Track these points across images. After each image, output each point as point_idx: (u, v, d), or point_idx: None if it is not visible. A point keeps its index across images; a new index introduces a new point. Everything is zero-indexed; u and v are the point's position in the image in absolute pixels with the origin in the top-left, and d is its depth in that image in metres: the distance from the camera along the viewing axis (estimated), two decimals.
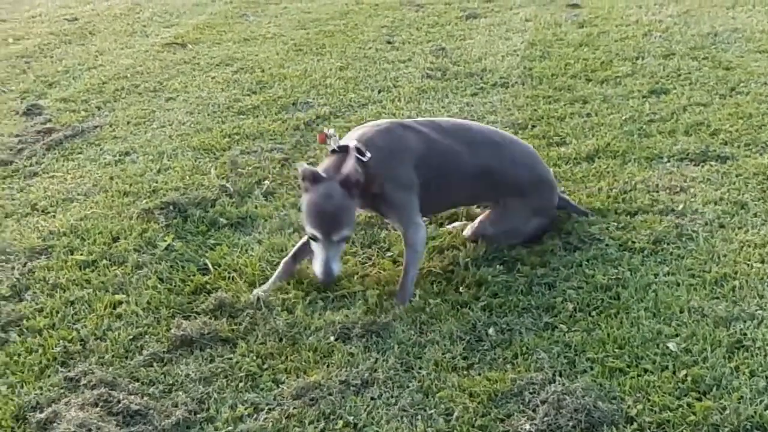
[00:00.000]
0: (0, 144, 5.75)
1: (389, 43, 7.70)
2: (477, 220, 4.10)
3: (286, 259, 3.92)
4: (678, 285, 3.63)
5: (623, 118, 5.47)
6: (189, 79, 7.05)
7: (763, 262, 3.75)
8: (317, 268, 3.58)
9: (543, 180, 4.09)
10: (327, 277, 3.57)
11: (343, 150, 3.63)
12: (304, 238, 3.87)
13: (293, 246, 3.98)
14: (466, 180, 3.92)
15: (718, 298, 3.53)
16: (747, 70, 6.16)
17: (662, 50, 6.79)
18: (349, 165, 3.54)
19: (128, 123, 6.08)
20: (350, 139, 3.71)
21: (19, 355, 3.44)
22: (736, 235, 3.99)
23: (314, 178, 3.54)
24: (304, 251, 3.90)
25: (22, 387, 3.25)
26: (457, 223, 4.28)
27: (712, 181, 4.53)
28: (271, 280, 3.85)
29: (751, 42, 6.84)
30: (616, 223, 4.17)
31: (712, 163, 4.74)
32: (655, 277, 3.69)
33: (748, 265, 3.73)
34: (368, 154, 3.61)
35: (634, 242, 3.98)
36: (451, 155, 3.88)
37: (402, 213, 3.77)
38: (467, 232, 4.10)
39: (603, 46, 7.04)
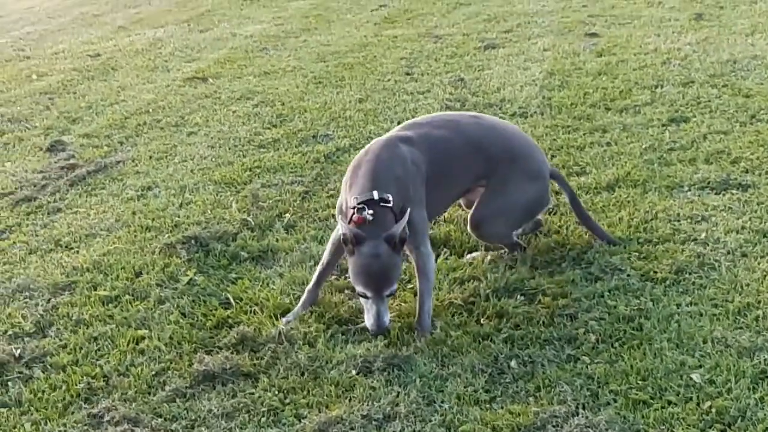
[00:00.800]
0: (24, 180, 5.82)
1: (408, 74, 7.74)
2: (473, 207, 4.13)
3: (309, 287, 3.95)
4: (701, 315, 3.61)
5: (643, 147, 5.46)
6: (210, 113, 7.11)
7: None
8: (369, 321, 3.62)
9: (530, 143, 4.26)
10: (379, 329, 3.62)
11: (366, 203, 3.61)
12: (323, 265, 3.93)
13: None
14: (461, 162, 3.99)
15: (741, 328, 3.51)
16: (767, 98, 6.14)
17: (681, 78, 6.78)
18: (400, 226, 3.56)
19: (150, 158, 6.13)
20: (366, 188, 3.65)
21: (43, 391, 3.47)
22: (759, 264, 3.97)
23: (358, 239, 3.55)
24: (325, 276, 3.96)
25: (46, 424, 3.28)
26: (476, 253, 4.29)
27: (733, 210, 4.51)
28: (296, 309, 3.89)
29: None
30: (637, 253, 4.16)
31: (734, 191, 4.72)
32: (678, 308, 3.68)
33: None
34: (390, 197, 3.62)
35: (656, 272, 3.97)
36: (443, 143, 3.96)
37: (416, 236, 3.78)
38: (469, 226, 4.15)
39: (622, 74, 7.04)
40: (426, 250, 3.82)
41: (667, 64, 7.24)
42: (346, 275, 4.18)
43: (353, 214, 3.60)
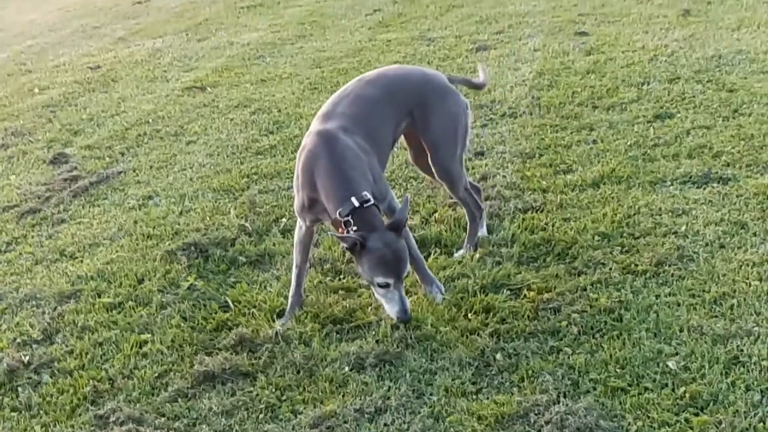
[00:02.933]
0: (29, 193, 6.00)
1: None
2: (430, 157, 4.33)
3: (291, 291, 4.12)
4: (678, 305, 3.77)
5: (628, 143, 5.61)
6: (208, 121, 7.28)
7: (761, 280, 3.88)
8: (394, 309, 3.74)
9: (426, 70, 4.55)
10: (406, 315, 3.75)
11: (352, 212, 3.73)
12: (297, 267, 4.10)
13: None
14: (389, 117, 4.16)
15: (716, 316, 3.66)
16: (750, 92, 6.29)
17: (667, 75, 6.93)
18: (402, 214, 3.77)
19: (151, 167, 6.31)
20: (342, 197, 3.75)
21: (51, 395, 3.65)
22: (736, 254, 4.12)
23: (363, 240, 3.68)
24: (303, 277, 4.13)
25: (54, 426, 3.45)
26: (463, 251, 4.45)
27: (713, 203, 4.66)
28: (287, 313, 4.07)
29: (755, 63, 6.97)
30: (620, 247, 4.32)
31: (714, 184, 4.88)
32: (657, 299, 3.84)
33: (746, 283, 3.86)
34: (368, 195, 3.75)
35: (636, 265, 4.13)
36: (367, 114, 4.09)
37: (390, 202, 3.99)
38: (436, 175, 4.39)
39: (609, 72, 7.19)
40: (393, 200, 4.02)
41: (654, 60, 7.38)
42: (341, 276, 4.36)
43: (343, 227, 3.73)
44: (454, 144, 4.34)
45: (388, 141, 4.20)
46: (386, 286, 3.73)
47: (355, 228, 3.69)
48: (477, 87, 5.13)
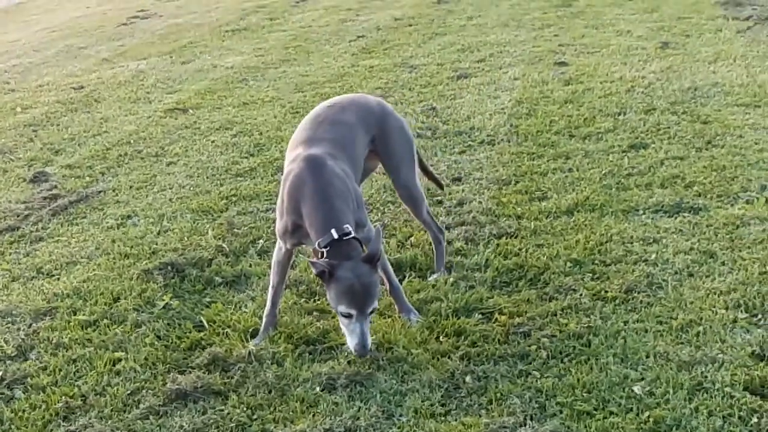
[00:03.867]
0: (8, 210, 6.01)
1: None
2: (393, 179, 4.50)
3: (267, 311, 4.16)
4: (646, 332, 3.83)
5: (603, 172, 5.70)
6: (190, 143, 7.32)
7: (727, 308, 3.96)
8: (353, 342, 3.69)
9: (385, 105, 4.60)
10: (363, 350, 3.69)
11: (330, 243, 3.75)
12: (273, 288, 4.13)
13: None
14: (361, 143, 4.29)
15: (683, 343, 3.73)
16: (724, 123, 6.41)
17: (644, 105, 7.04)
18: (376, 245, 3.78)
19: (131, 187, 6.34)
20: (324, 227, 3.78)
21: (24, 411, 3.66)
22: (704, 283, 4.20)
23: (332, 268, 3.69)
24: (278, 298, 4.18)
25: None
26: (437, 275, 4.51)
27: (684, 232, 4.75)
28: (260, 333, 4.10)
29: (730, 96, 7.09)
30: (591, 274, 4.39)
31: (685, 214, 4.96)
32: (625, 325, 3.90)
33: (713, 311, 3.94)
34: (349, 228, 3.78)
35: (607, 291, 4.20)
36: (348, 131, 4.24)
37: (365, 226, 4.02)
38: (400, 197, 4.59)
39: (587, 102, 7.30)
40: (371, 229, 4.06)
41: (631, 91, 7.50)
42: (316, 298, 4.40)
43: (321, 255, 3.76)
44: (413, 165, 4.52)
45: (361, 166, 4.27)
46: (349, 316, 3.69)
47: (327, 258, 3.72)
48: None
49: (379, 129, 4.39)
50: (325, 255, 3.73)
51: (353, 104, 4.46)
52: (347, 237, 3.75)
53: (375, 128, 4.37)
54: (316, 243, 3.79)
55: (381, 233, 3.93)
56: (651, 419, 3.24)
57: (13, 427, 3.56)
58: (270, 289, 4.19)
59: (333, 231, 3.73)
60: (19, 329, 4.35)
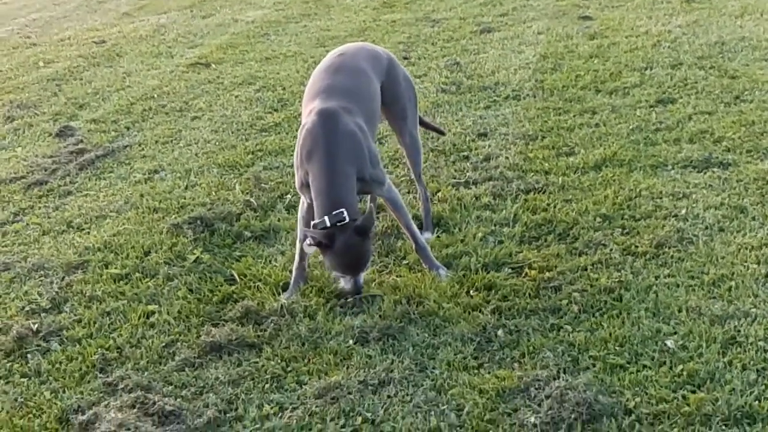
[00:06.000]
0: (35, 165, 6.05)
1: (406, 58, 7.94)
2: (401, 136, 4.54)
3: (295, 264, 4.19)
4: (677, 286, 3.83)
5: (630, 127, 5.67)
6: (213, 98, 7.32)
7: (759, 263, 3.94)
8: (347, 285, 3.93)
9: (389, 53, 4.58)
10: (357, 289, 3.94)
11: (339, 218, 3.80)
12: (300, 241, 4.11)
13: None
14: (374, 83, 4.27)
15: (714, 297, 3.73)
16: (752, 79, 6.34)
17: (670, 60, 6.98)
18: (368, 214, 3.84)
19: (156, 142, 6.36)
20: (321, 212, 3.81)
21: (61, 362, 3.71)
22: (735, 238, 4.19)
23: (329, 239, 3.77)
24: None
25: (64, 392, 3.51)
26: (428, 233, 4.54)
27: (713, 187, 4.72)
28: (290, 287, 4.13)
29: (758, 50, 7.01)
30: (620, 229, 4.39)
31: (715, 169, 4.94)
32: (656, 280, 3.90)
33: (744, 266, 3.93)
34: (344, 212, 3.77)
35: (637, 247, 4.19)
36: (364, 79, 4.22)
37: (382, 184, 4.06)
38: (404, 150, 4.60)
39: (613, 57, 7.24)
40: (391, 187, 4.13)
41: (657, 46, 7.43)
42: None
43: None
44: (416, 114, 4.60)
45: (378, 114, 4.31)
46: (343, 277, 3.92)
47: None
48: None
49: (387, 75, 4.39)
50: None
51: (362, 51, 4.45)
52: (342, 223, 3.77)
53: (384, 75, 4.37)
54: (311, 224, 3.85)
55: (374, 210, 4.00)
56: (684, 372, 3.25)
57: (51, 378, 3.61)
58: (297, 243, 4.20)
59: (326, 218, 3.77)
60: (52, 282, 4.39)
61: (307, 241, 3.86)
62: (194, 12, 11.22)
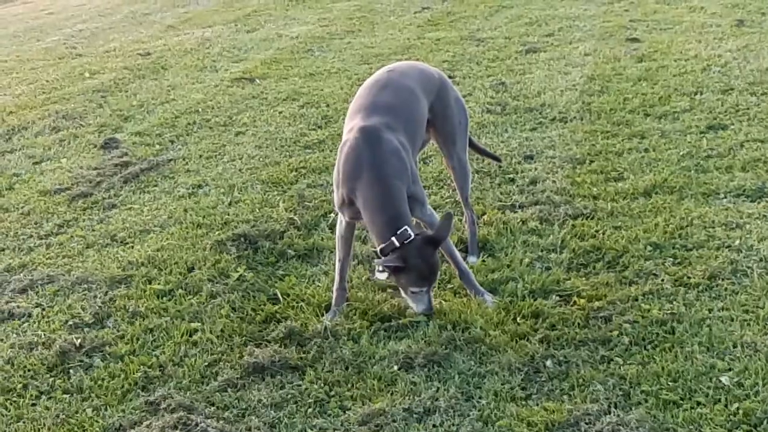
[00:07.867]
0: (80, 176, 6.06)
1: (450, 77, 7.86)
2: (447, 155, 4.47)
3: (335, 286, 4.14)
4: (732, 320, 3.73)
5: (681, 153, 5.56)
6: (257, 113, 7.32)
7: None
8: (421, 308, 3.89)
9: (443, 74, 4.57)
10: (431, 310, 3.90)
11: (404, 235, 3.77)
12: (340, 261, 4.13)
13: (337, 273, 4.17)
14: (420, 112, 4.21)
15: None
16: None
17: (721, 85, 6.86)
18: (445, 231, 3.84)
19: (200, 156, 6.35)
20: (384, 235, 3.80)
21: (103, 379, 3.69)
22: None
23: (403, 261, 3.74)
24: (345, 271, 4.16)
25: (106, 410, 3.49)
26: (474, 257, 4.49)
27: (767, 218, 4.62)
28: (332, 308, 4.08)
29: None
30: (672, 258, 4.29)
31: None
32: (710, 312, 3.80)
33: None
34: (408, 230, 3.77)
35: (689, 277, 4.10)
36: (410, 98, 4.17)
37: (423, 206, 4.03)
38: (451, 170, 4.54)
39: (662, 80, 7.14)
40: (432, 212, 4.11)
41: (707, 70, 7.31)
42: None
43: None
44: (466, 139, 4.53)
45: (423, 133, 4.26)
46: (420, 292, 3.85)
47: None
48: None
49: (438, 97, 4.32)
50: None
51: (413, 69, 4.41)
52: (409, 241, 3.75)
53: (434, 95, 4.30)
54: (379, 249, 3.81)
55: (452, 219, 3.93)
56: (740, 411, 3.15)
57: (93, 395, 3.59)
58: (337, 263, 4.16)
59: (394, 239, 3.75)
60: (95, 296, 4.38)
61: (378, 268, 3.84)
62: (239, 26, 11.26)
